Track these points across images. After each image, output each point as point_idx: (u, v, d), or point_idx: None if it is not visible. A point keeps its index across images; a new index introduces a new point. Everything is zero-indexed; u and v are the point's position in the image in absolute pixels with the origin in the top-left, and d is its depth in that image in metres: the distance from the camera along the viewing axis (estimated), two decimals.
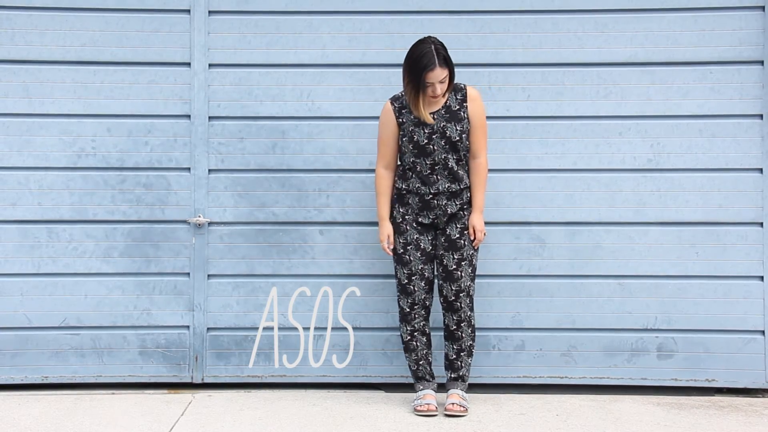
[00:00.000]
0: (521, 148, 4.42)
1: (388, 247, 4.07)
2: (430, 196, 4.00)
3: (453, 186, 4.00)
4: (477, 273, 4.18)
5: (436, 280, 4.13)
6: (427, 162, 3.99)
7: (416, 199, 4.02)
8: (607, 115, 4.42)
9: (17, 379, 4.43)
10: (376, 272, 4.45)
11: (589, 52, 4.42)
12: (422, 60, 3.88)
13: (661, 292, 4.41)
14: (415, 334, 4.08)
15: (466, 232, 4.03)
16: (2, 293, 4.42)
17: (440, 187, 3.99)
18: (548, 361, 4.44)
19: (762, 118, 4.40)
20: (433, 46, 3.88)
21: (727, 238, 4.40)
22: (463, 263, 4.02)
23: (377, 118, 4.36)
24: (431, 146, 3.98)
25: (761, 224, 4.40)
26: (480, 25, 4.43)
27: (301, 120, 4.46)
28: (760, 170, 4.39)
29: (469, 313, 4.07)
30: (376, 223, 4.42)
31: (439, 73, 3.88)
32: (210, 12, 4.43)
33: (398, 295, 4.11)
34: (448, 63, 3.91)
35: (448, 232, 4.02)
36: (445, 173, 3.99)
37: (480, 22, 4.43)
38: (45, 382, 4.43)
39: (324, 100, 4.45)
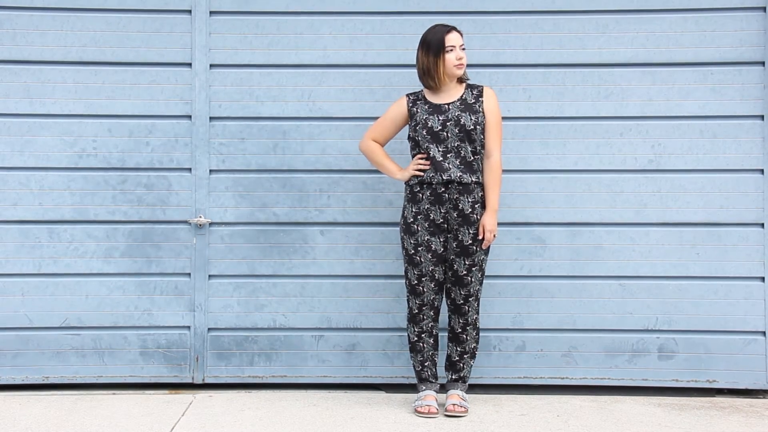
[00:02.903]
0: (522, 148, 4.42)
1: (417, 164, 4.02)
2: (442, 188, 3.98)
3: (465, 177, 3.97)
4: None
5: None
6: (440, 149, 3.98)
7: (428, 192, 4.00)
8: (608, 116, 4.42)
9: (18, 380, 4.42)
10: (377, 273, 4.45)
11: (590, 53, 4.42)
12: (440, 28, 4.01)
13: (662, 293, 4.41)
14: (423, 335, 4.08)
15: (478, 237, 4.02)
16: (3, 293, 4.41)
17: (452, 175, 3.96)
18: (549, 361, 4.43)
19: (763, 119, 4.39)
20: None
21: (728, 239, 4.39)
22: (473, 269, 4.02)
23: (378, 118, 4.37)
24: (445, 133, 3.98)
25: (762, 225, 4.39)
26: (481, 26, 4.43)
27: (302, 120, 4.46)
28: (761, 171, 4.39)
29: (475, 316, 4.07)
30: (377, 224, 4.45)
31: (458, 37, 3.99)
32: (211, 12, 4.43)
33: (407, 296, 4.10)
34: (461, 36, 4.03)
35: (460, 238, 4.00)
36: (457, 162, 3.98)
37: (481, 22, 4.43)
38: (46, 382, 4.43)
39: (325, 101, 4.45)
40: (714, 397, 4.40)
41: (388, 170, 4.13)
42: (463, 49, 4.00)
